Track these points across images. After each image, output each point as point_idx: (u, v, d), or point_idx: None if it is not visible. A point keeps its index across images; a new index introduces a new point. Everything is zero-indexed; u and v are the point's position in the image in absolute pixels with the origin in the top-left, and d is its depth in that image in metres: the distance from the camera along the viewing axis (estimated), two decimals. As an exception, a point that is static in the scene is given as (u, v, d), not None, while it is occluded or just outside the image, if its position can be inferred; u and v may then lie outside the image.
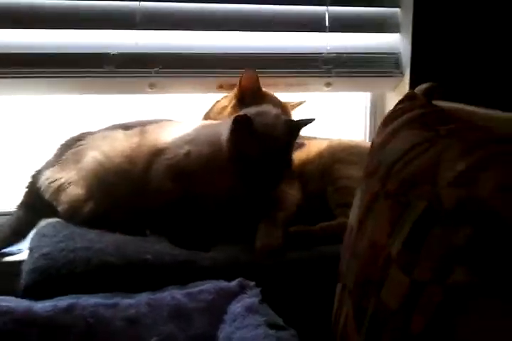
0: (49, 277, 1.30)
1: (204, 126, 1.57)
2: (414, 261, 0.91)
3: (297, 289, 1.39)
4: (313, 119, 1.50)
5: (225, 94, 1.81)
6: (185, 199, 1.46)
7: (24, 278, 1.32)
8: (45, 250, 1.36)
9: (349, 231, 1.17)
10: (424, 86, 1.34)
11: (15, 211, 1.64)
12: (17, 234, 1.61)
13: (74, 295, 1.22)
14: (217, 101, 1.80)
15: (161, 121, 1.65)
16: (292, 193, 1.58)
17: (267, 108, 1.50)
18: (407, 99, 1.27)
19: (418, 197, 0.95)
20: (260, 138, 1.39)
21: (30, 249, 1.42)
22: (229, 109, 1.75)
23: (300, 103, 1.83)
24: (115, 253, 1.35)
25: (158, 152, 1.52)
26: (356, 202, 1.16)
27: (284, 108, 1.73)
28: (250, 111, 1.45)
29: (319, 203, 1.63)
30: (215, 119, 1.75)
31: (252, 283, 1.26)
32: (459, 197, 0.86)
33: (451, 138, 1.00)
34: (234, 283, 1.26)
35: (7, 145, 1.86)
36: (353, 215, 1.16)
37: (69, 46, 1.73)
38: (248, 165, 1.41)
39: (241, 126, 1.39)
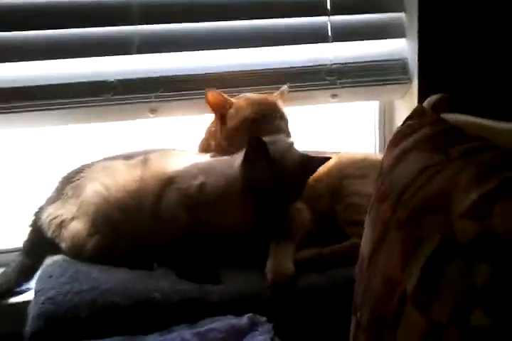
0: (54, 323, 1.26)
1: (218, 160, 1.54)
2: (430, 300, 0.84)
3: (310, 321, 1.33)
4: (329, 158, 1.47)
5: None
6: (198, 230, 1.42)
7: (30, 325, 1.28)
8: (50, 293, 1.32)
9: (360, 261, 1.10)
10: (433, 98, 1.26)
11: (21, 249, 1.60)
12: (24, 273, 1.56)
13: None
14: (208, 128, 1.75)
15: (162, 150, 1.61)
16: (301, 218, 1.52)
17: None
18: (416, 114, 1.20)
19: (431, 229, 0.88)
20: (275, 168, 1.38)
21: (36, 292, 1.37)
22: (218, 133, 1.70)
23: (283, 92, 1.74)
24: (121, 293, 1.31)
25: (167, 181, 1.48)
26: (368, 231, 1.09)
27: (268, 102, 1.67)
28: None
29: (330, 223, 1.57)
30: (209, 145, 1.71)
31: (263, 319, 1.22)
32: (474, 231, 0.79)
33: (464, 161, 0.92)
34: (244, 319, 1.21)
35: (11, 181, 1.82)
36: (365, 245, 1.09)
37: (63, 76, 1.68)
38: (261, 193, 1.38)
39: (255, 147, 1.37)
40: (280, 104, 1.71)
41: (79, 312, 1.26)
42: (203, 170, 1.46)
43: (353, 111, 2.06)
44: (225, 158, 1.52)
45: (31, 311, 1.31)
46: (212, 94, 1.65)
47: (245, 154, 1.39)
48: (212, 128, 1.72)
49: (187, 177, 1.45)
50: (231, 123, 1.65)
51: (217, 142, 1.68)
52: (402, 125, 1.22)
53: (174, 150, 1.62)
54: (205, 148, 1.72)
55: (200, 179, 1.43)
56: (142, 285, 1.34)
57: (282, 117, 1.68)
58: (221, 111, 1.67)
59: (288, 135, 1.66)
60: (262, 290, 1.34)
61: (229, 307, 1.28)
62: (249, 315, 1.22)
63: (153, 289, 1.32)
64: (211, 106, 1.66)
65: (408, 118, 1.22)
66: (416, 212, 0.94)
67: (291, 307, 1.33)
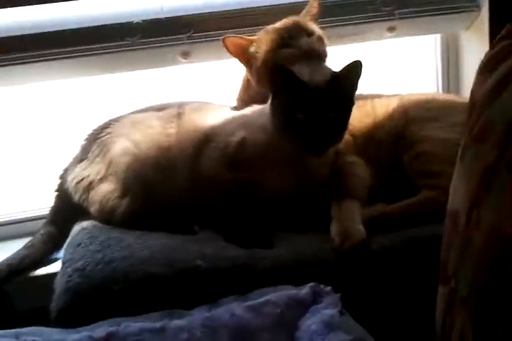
0: (83, 298, 1.10)
1: (254, 111, 1.35)
2: None
3: (383, 290, 1.15)
4: (359, 62, 1.21)
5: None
6: (244, 190, 1.27)
7: (56, 300, 1.13)
8: (78, 264, 1.16)
9: (452, 218, 0.89)
10: None
11: (47, 217, 1.45)
12: (53, 243, 1.40)
13: (114, 320, 1.03)
14: (244, 77, 1.52)
15: (197, 103, 1.43)
16: (360, 175, 1.32)
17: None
18: (510, 34, 0.96)
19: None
20: (304, 92, 1.20)
21: (63, 263, 1.21)
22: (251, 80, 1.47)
23: (310, 9, 1.47)
24: (159, 262, 1.14)
25: (204, 139, 1.33)
26: (461, 181, 0.87)
27: (288, 24, 1.42)
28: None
29: (395, 175, 1.36)
30: (246, 95, 1.49)
31: (329, 288, 1.04)
32: None
33: None
34: (305, 289, 1.04)
35: (32, 141, 1.65)
36: (459, 198, 0.87)
37: (82, 19, 1.48)
38: (297, 128, 1.20)
39: (278, 74, 1.22)
40: (307, 22, 1.45)
41: (111, 285, 1.10)
42: (241, 124, 1.32)
43: (409, 48, 1.81)
44: (262, 107, 1.33)
45: (58, 284, 1.16)
46: (230, 41, 1.42)
47: (271, 85, 1.24)
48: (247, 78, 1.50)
49: (225, 134, 1.31)
50: (256, 61, 1.42)
51: (253, 90, 1.46)
52: (492, 48, 0.99)
53: (209, 103, 1.46)
54: (244, 99, 1.50)
55: (239, 135, 1.29)
56: (183, 252, 1.17)
57: (312, 34, 1.41)
58: (245, 56, 1.43)
59: (322, 55, 1.40)
60: (324, 255, 1.16)
61: (285, 276, 1.12)
62: (311, 284, 1.04)
63: (196, 256, 1.15)
64: (233, 54, 1.43)
65: (500, 39, 0.99)
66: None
67: (361, 275, 1.14)
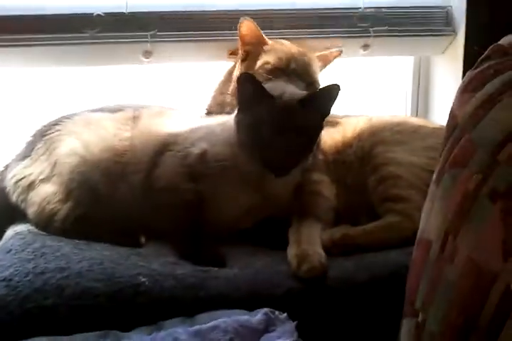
0: (9, 312, 0.98)
1: (219, 123, 1.27)
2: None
3: (341, 319, 1.06)
4: (336, 86, 1.15)
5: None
6: (201, 203, 1.19)
7: (-22, 314, 0.99)
8: (6, 273, 1.04)
9: (423, 246, 0.83)
10: None
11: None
12: None
13: (42, 339, 0.90)
14: (232, 72, 1.45)
15: (155, 107, 1.35)
16: (325, 195, 1.26)
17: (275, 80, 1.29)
18: (496, 54, 0.93)
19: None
20: (273, 107, 1.14)
21: (-11, 271, 1.08)
22: (235, 74, 1.40)
23: (335, 54, 1.47)
24: (98, 276, 1.03)
25: (163, 146, 1.25)
26: (433, 205, 0.81)
27: (307, 58, 1.39)
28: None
29: (361, 197, 1.30)
30: (224, 89, 1.42)
31: (284, 315, 0.96)
32: None
33: None
34: (258, 315, 0.97)
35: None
36: (430, 224, 0.80)
37: (42, 7, 1.38)
38: (261, 143, 1.12)
39: (248, 84, 1.14)
40: (317, 67, 1.42)
41: (42, 299, 0.98)
42: (204, 135, 1.24)
43: (382, 70, 1.77)
44: (226, 119, 1.25)
45: (-19, 295, 1.03)
46: (248, 25, 1.38)
47: (238, 97, 1.17)
48: (230, 71, 1.44)
49: (186, 144, 1.23)
50: (258, 62, 1.37)
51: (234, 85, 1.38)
52: (475, 68, 0.94)
53: (170, 109, 1.37)
54: (221, 94, 1.43)
55: (201, 146, 1.21)
56: (126, 266, 1.07)
57: (311, 84, 1.37)
58: (250, 47, 1.40)
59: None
60: (281, 278, 1.07)
61: (237, 299, 1.03)
62: (265, 309, 0.96)
63: (139, 272, 1.05)
64: (242, 38, 1.40)
65: (484, 59, 0.94)
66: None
67: (319, 301, 1.05)
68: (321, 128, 1.19)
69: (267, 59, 1.37)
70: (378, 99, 1.78)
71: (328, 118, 1.27)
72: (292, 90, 1.20)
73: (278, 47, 1.40)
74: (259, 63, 1.37)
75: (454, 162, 0.79)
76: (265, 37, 1.41)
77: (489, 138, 0.73)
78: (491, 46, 0.97)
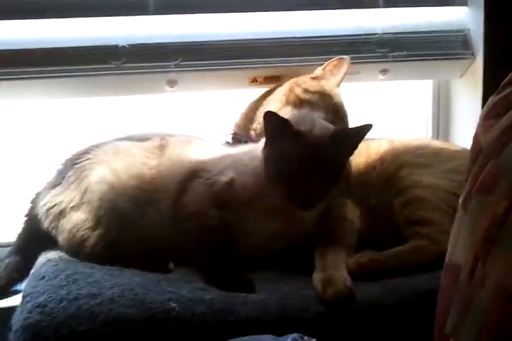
0: (45, 338, 0.99)
1: (245, 152, 1.28)
2: None
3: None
4: (370, 126, 1.17)
5: (265, 90, 1.50)
6: (228, 229, 1.20)
7: (13, 340, 1.01)
8: (40, 299, 1.05)
9: (452, 271, 0.83)
10: None
11: (14, 243, 1.35)
12: (18, 272, 1.30)
13: None
14: (258, 101, 1.47)
15: (182, 136, 1.37)
16: (349, 219, 1.27)
17: (304, 112, 1.30)
18: None
19: None
20: (301, 143, 1.14)
21: (23, 297, 1.10)
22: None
23: (343, 61, 1.46)
24: (129, 302, 1.04)
25: (191, 174, 1.26)
26: (461, 230, 0.82)
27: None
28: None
29: (386, 220, 1.32)
30: (252, 117, 1.45)
31: (313, 340, 0.93)
32: None
33: None
34: (289, 340, 0.92)
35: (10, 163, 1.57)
36: (459, 249, 0.81)
37: (68, 39, 1.42)
38: (289, 178, 1.13)
39: (273, 122, 1.15)
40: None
41: (76, 325, 0.99)
42: (231, 164, 1.25)
43: (401, 94, 1.79)
44: (253, 148, 1.27)
45: (16, 321, 1.05)
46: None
47: (265, 133, 1.18)
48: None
49: (213, 172, 1.24)
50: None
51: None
52: (498, 93, 0.95)
53: (197, 138, 1.39)
54: (247, 120, 1.46)
55: (229, 175, 1.22)
56: (156, 292, 1.07)
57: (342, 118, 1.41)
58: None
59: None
60: (309, 303, 1.07)
61: (266, 324, 1.03)
62: (294, 335, 0.95)
63: (170, 297, 1.06)
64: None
65: (506, 85, 0.95)
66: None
67: (347, 326, 1.06)
68: (347, 162, 1.21)
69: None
70: (400, 123, 1.80)
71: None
72: (322, 124, 1.20)
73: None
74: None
75: (480, 188, 0.80)
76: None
77: (513, 167, 0.74)
78: (513, 72, 0.99)
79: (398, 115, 1.79)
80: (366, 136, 1.44)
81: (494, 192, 0.76)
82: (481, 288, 0.74)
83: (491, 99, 0.94)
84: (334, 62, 1.45)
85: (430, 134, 1.78)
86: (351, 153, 1.22)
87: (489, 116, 0.89)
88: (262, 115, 1.23)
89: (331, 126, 1.21)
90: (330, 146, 1.15)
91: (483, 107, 1.56)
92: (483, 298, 0.73)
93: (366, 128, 1.17)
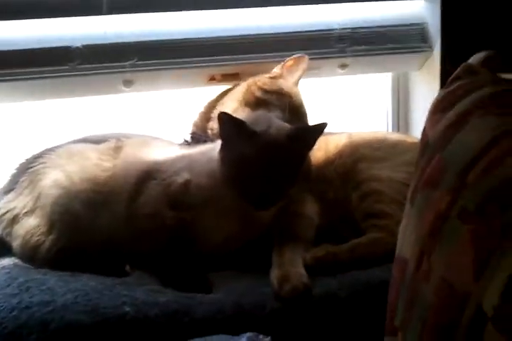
0: (-6, 349, 0.96)
1: (201, 153, 1.26)
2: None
3: (327, 338, 1.06)
4: (325, 124, 1.17)
5: (224, 88, 1.49)
6: (184, 230, 1.18)
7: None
8: (-10, 309, 1.02)
9: (400, 265, 0.83)
10: (481, 56, 1.00)
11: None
12: None
13: None
14: (216, 100, 1.46)
15: (137, 136, 1.35)
16: (307, 214, 1.27)
17: (258, 112, 1.30)
18: (465, 73, 0.94)
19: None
20: (258, 143, 1.13)
21: (-26, 306, 1.07)
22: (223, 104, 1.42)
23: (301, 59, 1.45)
24: (82, 308, 1.02)
25: (145, 175, 1.23)
26: (410, 226, 0.81)
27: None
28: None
29: (343, 214, 1.32)
30: (210, 116, 1.43)
31: (268, 339, 0.95)
32: None
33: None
34: (243, 339, 0.95)
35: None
36: (406, 243, 0.81)
37: (20, 41, 1.38)
38: (246, 179, 1.12)
39: (228, 123, 1.14)
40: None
41: (27, 335, 0.98)
42: (187, 165, 1.23)
43: (359, 85, 1.78)
44: (210, 148, 1.25)
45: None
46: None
47: (220, 135, 1.17)
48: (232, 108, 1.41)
49: (169, 172, 1.23)
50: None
51: None
52: (446, 87, 0.95)
53: (152, 138, 1.37)
54: (205, 119, 1.44)
55: (184, 176, 1.20)
56: (110, 296, 1.05)
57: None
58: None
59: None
60: (265, 301, 1.07)
61: (222, 323, 1.02)
62: (249, 334, 0.96)
63: (124, 301, 1.04)
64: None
65: (455, 79, 0.95)
66: (492, 198, 0.66)
67: (303, 322, 1.05)
68: (305, 160, 1.20)
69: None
70: (359, 115, 1.79)
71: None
72: (278, 123, 1.19)
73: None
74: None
75: (426, 182, 0.80)
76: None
77: (458, 160, 0.74)
78: (461, 65, 0.98)
79: (357, 108, 1.79)
80: (326, 131, 1.47)
81: (439, 187, 0.75)
82: (426, 282, 0.73)
83: (439, 93, 0.94)
84: (292, 61, 1.44)
85: (391, 126, 1.78)
86: (308, 152, 1.21)
87: (436, 110, 0.89)
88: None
89: (286, 126, 1.20)
90: (286, 146, 1.14)
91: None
92: (427, 291, 0.73)
93: (322, 125, 1.16)
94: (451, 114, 0.82)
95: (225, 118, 1.14)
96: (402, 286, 0.79)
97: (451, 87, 0.91)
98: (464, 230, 0.68)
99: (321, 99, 1.68)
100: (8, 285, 1.09)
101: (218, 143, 1.21)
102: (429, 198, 0.77)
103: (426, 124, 0.90)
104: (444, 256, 0.70)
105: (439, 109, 0.87)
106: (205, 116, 1.45)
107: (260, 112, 1.28)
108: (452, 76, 0.96)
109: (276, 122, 1.20)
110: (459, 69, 0.97)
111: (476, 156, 0.71)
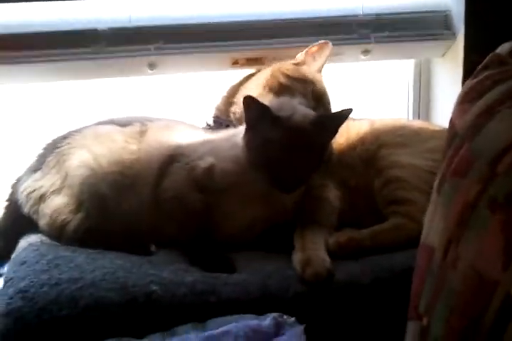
0: (26, 323, 1.00)
1: (225, 138, 1.28)
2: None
3: (348, 322, 1.08)
4: (350, 111, 1.19)
5: (248, 72, 1.50)
6: (209, 212, 1.21)
7: (-5, 324, 1.02)
8: (21, 285, 1.06)
9: (426, 252, 0.85)
10: (509, 45, 1.01)
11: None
12: (3, 253, 1.29)
13: None
14: (239, 85, 1.47)
15: (162, 120, 1.36)
16: (329, 199, 1.28)
17: (283, 98, 1.30)
18: (494, 64, 0.94)
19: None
20: (282, 129, 1.15)
21: (5, 282, 1.11)
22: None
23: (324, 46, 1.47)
24: (111, 286, 1.05)
25: (170, 159, 1.26)
26: (438, 214, 0.83)
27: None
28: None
29: (366, 199, 1.33)
30: (232, 101, 1.44)
31: (292, 319, 0.99)
32: None
33: None
34: (268, 320, 0.99)
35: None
36: (433, 231, 0.83)
37: (47, 23, 1.40)
38: (271, 164, 1.14)
39: (253, 108, 1.15)
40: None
41: (57, 311, 1.01)
42: (211, 150, 1.25)
43: (382, 71, 1.79)
44: (233, 134, 1.27)
45: (-1, 306, 1.06)
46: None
47: (245, 118, 1.18)
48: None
49: (192, 157, 1.25)
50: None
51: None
52: (474, 77, 0.95)
53: (176, 122, 1.39)
54: (228, 104, 1.45)
55: (208, 161, 1.22)
56: (138, 275, 1.08)
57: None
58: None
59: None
60: (289, 284, 1.09)
61: (247, 303, 1.05)
62: (274, 314, 0.99)
63: (151, 280, 1.07)
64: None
65: (483, 69, 0.96)
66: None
67: (326, 305, 1.08)
68: (328, 145, 1.22)
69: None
70: (380, 100, 1.80)
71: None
72: (302, 110, 1.21)
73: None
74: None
75: (454, 171, 0.81)
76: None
77: (488, 149, 0.75)
78: (489, 55, 0.98)
79: (379, 94, 1.79)
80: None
81: (467, 176, 0.77)
82: (453, 270, 0.75)
83: (467, 83, 0.94)
84: (316, 47, 1.45)
85: (411, 113, 1.78)
86: (332, 138, 1.23)
87: (465, 100, 0.89)
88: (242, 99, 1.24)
89: (311, 112, 1.22)
90: (310, 132, 1.16)
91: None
92: (454, 280, 0.74)
93: (346, 112, 1.18)
94: (480, 104, 0.83)
95: (250, 101, 1.15)
96: (428, 274, 0.81)
97: (479, 77, 0.91)
98: (493, 220, 0.70)
99: (343, 84, 1.68)
100: (37, 262, 1.12)
101: (241, 128, 1.23)
102: (457, 187, 0.79)
103: (453, 114, 0.91)
104: (473, 245, 0.72)
105: (467, 99, 0.88)
106: (228, 101, 1.46)
107: (285, 98, 1.29)
108: (480, 66, 0.96)
109: (300, 108, 1.22)
110: (487, 59, 0.97)
111: (507, 147, 0.72)
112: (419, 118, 1.76)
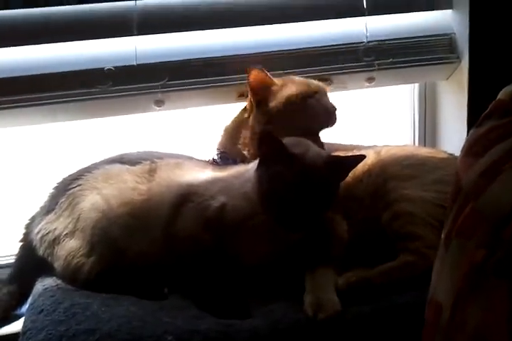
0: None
1: (235, 175, 1.29)
2: None
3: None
4: (363, 157, 1.21)
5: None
6: (221, 252, 1.22)
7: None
8: (40, 337, 1.08)
9: (434, 308, 0.86)
10: (510, 88, 0.99)
11: (11, 269, 1.38)
12: (16, 300, 1.34)
13: None
14: (236, 118, 1.50)
15: (171, 157, 1.38)
16: (337, 234, 1.29)
17: (299, 138, 1.28)
18: (498, 111, 0.94)
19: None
20: (296, 169, 1.16)
21: (23, 333, 1.13)
22: (250, 120, 1.44)
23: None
24: (127, 338, 1.06)
25: (182, 199, 1.27)
26: (443, 267, 0.84)
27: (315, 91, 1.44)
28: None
29: (373, 232, 1.33)
30: (237, 136, 1.45)
31: None
32: None
33: None
34: None
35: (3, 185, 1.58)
36: (441, 287, 0.84)
37: (52, 64, 1.42)
38: (282, 203, 1.15)
39: (268, 143, 1.17)
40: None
41: (77, 365, 1.03)
42: (222, 188, 1.26)
43: (386, 96, 1.79)
44: (243, 170, 1.28)
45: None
46: (256, 73, 1.41)
47: (259, 154, 1.20)
48: (245, 116, 1.46)
49: (206, 196, 1.26)
50: (274, 103, 1.42)
51: (252, 130, 1.43)
52: (477, 126, 0.96)
53: (187, 159, 1.40)
54: (232, 139, 1.47)
55: (220, 200, 1.24)
56: (152, 324, 1.10)
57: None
58: (262, 93, 1.42)
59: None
60: (300, 327, 1.10)
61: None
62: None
63: (166, 329, 1.08)
64: (252, 87, 1.42)
65: (487, 117, 0.96)
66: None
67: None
68: (339, 187, 1.23)
69: (288, 92, 1.42)
70: (386, 125, 1.80)
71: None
72: (315, 149, 1.23)
73: (288, 83, 1.44)
74: (271, 105, 1.41)
75: (459, 231, 0.82)
76: (272, 78, 1.42)
77: (492, 213, 0.76)
78: (493, 102, 0.98)
79: (384, 118, 1.79)
80: (352, 144, 1.49)
81: (472, 239, 0.78)
82: (462, 332, 0.76)
83: (472, 133, 0.95)
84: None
85: (417, 136, 1.78)
86: (342, 180, 1.24)
87: (469, 153, 0.90)
88: (250, 134, 1.25)
89: (324, 152, 1.24)
90: (323, 171, 1.17)
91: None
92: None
93: (359, 158, 1.21)
94: (484, 161, 0.83)
95: (265, 136, 1.17)
96: (437, 331, 0.82)
97: (484, 128, 0.92)
98: (499, 287, 0.70)
99: (347, 108, 1.69)
100: (54, 311, 1.14)
101: (251, 165, 1.24)
102: (463, 248, 0.79)
103: (459, 165, 0.92)
104: (479, 311, 0.73)
105: (471, 152, 0.89)
106: (232, 135, 1.47)
107: (299, 138, 1.29)
108: (484, 113, 0.96)
109: (315, 147, 1.23)
110: (490, 106, 0.97)
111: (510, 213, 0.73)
112: (425, 141, 1.76)
